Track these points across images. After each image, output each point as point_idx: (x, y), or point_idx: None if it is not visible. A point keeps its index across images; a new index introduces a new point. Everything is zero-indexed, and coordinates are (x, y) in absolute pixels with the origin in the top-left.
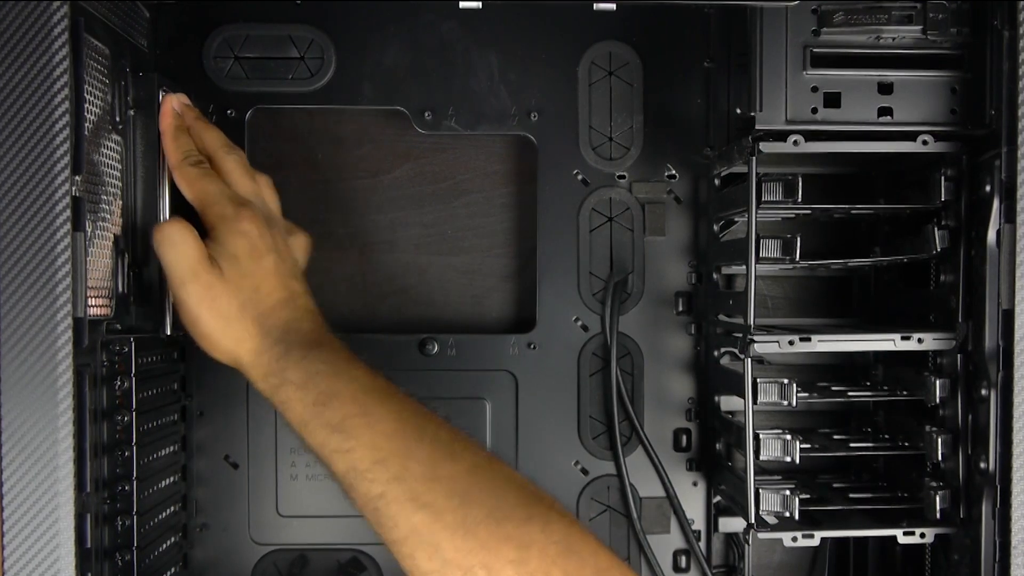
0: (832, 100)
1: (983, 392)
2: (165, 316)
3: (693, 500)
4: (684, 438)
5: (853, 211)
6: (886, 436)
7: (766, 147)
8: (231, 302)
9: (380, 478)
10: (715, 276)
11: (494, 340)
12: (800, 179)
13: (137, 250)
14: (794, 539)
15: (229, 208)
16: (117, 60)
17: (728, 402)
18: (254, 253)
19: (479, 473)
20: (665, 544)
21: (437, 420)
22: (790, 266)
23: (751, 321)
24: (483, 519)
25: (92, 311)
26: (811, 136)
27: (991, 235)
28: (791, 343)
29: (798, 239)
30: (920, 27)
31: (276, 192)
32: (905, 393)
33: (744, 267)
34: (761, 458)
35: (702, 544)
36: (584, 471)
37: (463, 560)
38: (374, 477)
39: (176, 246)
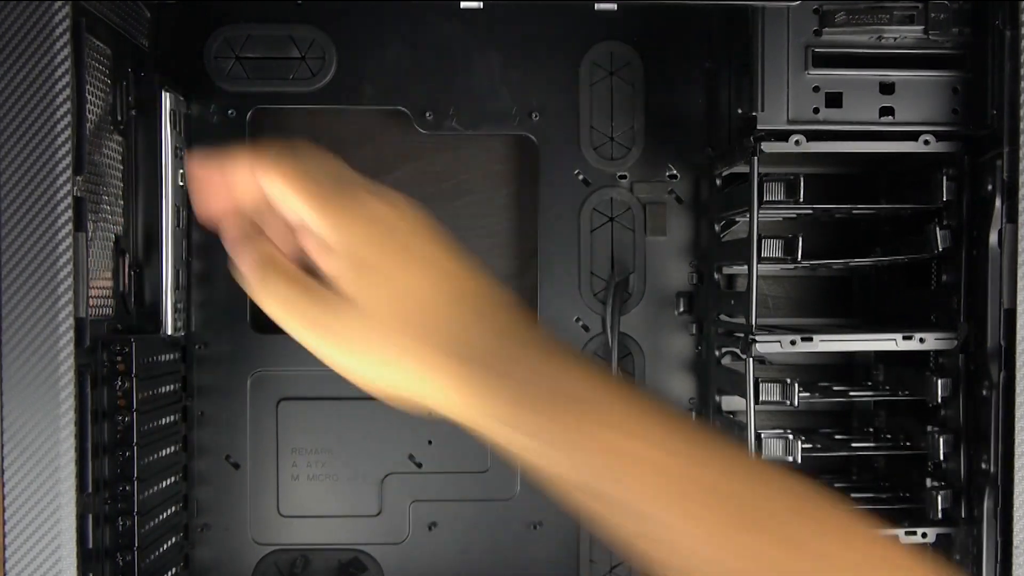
0: (834, 100)
1: (984, 392)
2: (166, 316)
3: None
4: None
5: (855, 211)
6: (887, 436)
7: (768, 147)
8: (384, 333)
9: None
10: (716, 276)
11: None
12: (801, 179)
13: (138, 250)
14: None
15: (320, 213)
16: (118, 60)
17: (729, 402)
18: (385, 254)
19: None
20: None
21: (688, 443)
22: (791, 266)
23: (753, 321)
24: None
25: (93, 311)
26: (813, 136)
27: (993, 235)
28: (793, 343)
29: (799, 239)
30: (922, 27)
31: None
32: (906, 393)
33: (745, 267)
34: (763, 458)
35: None
36: None
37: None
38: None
39: (272, 286)
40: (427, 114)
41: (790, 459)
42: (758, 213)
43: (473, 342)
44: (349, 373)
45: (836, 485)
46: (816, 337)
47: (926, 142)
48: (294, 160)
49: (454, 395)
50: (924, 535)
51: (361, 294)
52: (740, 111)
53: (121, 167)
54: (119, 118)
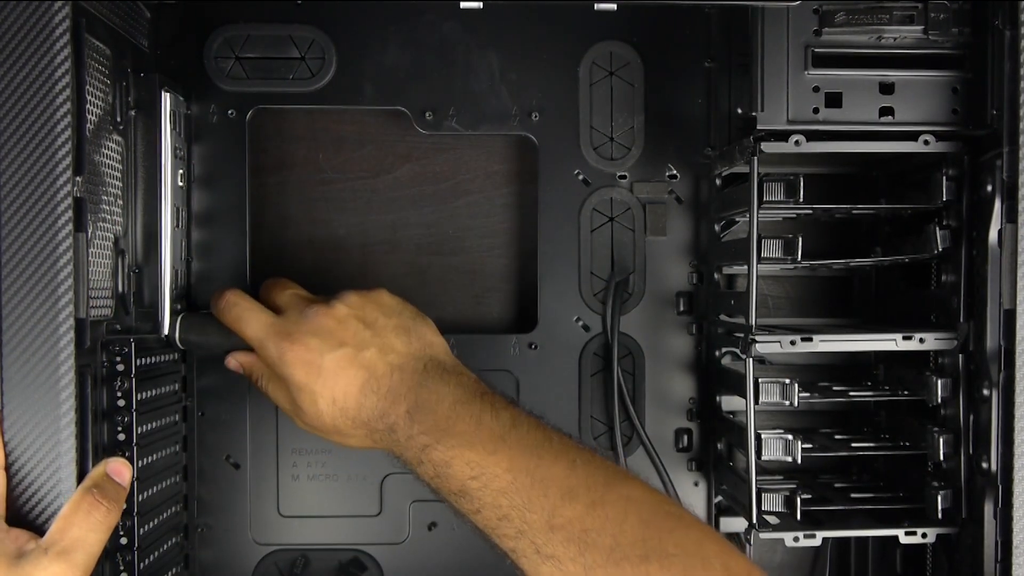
0: (833, 100)
1: (984, 392)
2: (164, 317)
3: (694, 500)
4: (685, 438)
5: (854, 211)
6: (887, 436)
7: (767, 147)
8: (324, 427)
9: (508, 533)
10: (716, 276)
11: (495, 340)
12: (801, 179)
13: (137, 251)
14: (795, 539)
15: (270, 348)
16: (118, 60)
17: (729, 402)
18: (310, 371)
19: (596, 511)
20: None
21: (551, 452)
22: (791, 266)
23: (752, 321)
24: (602, 563)
25: (93, 312)
26: (812, 136)
27: (992, 235)
28: (793, 343)
29: (799, 239)
30: (921, 27)
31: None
32: (906, 393)
33: (745, 267)
34: (763, 458)
35: None
36: None
37: None
38: (503, 533)
39: (271, 392)
40: (427, 114)
41: (790, 459)
42: (758, 213)
43: (377, 424)
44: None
45: (836, 485)
46: (816, 337)
47: (926, 142)
48: (250, 316)
49: (377, 446)
50: (924, 535)
51: (304, 408)
52: (740, 111)
53: (121, 167)
54: (119, 118)
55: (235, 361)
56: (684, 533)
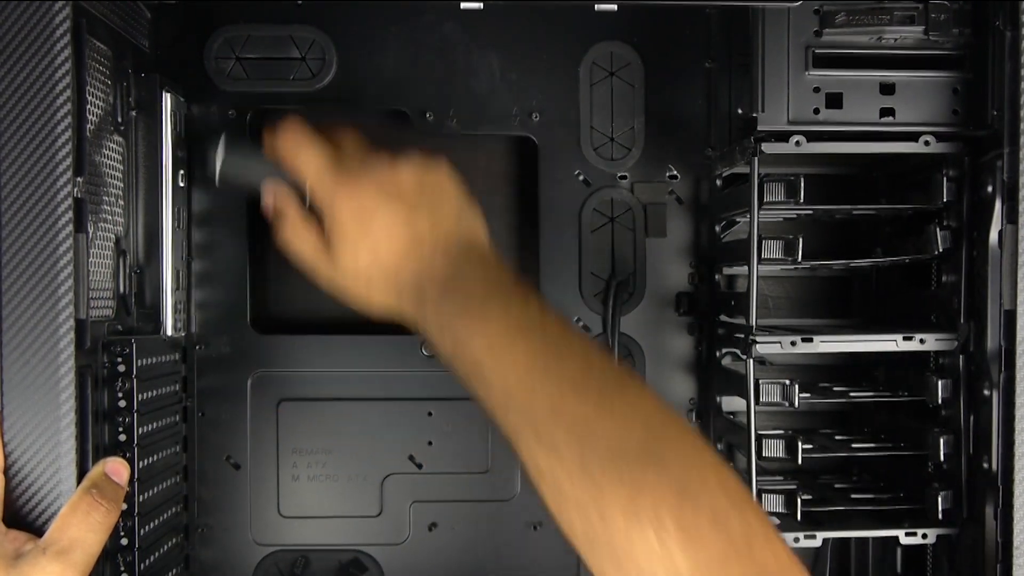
0: (834, 101)
1: (985, 392)
2: (166, 317)
3: None
4: None
5: (855, 211)
6: (888, 437)
7: (768, 148)
8: (356, 279)
9: (513, 417)
10: (717, 277)
11: None
12: (802, 180)
13: (138, 251)
14: (796, 540)
15: (326, 180)
16: (119, 61)
17: (730, 402)
18: (362, 221)
19: (602, 408)
20: None
21: (570, 349)
22: (792, 267)
23: (753, 322)
24: (599, 459)
25: (93, 312)
26: (813, 137)
27: (993, 235)
28: (793, 344)
29: (800, 240)
30: (922, 28)
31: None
32: (907, 394)
33: (746, 268)
34: (763, 458)
35: None
36: None
37: (580, 500)
38: (508, 417)
39: (294, 240)
40: (427, 114)
41: (790, 459)
42: (758, 214)
43: (411, 288)
44: (322, 284)
45: (837, 486)
46: (816, 338)
47: (926, 143)
48: (311, 148)
49: (401, 309)
50: (924, 536)
51: (340, 253)
52: (740, 111)
53: (121, 168)
54: (119, 119)
55: (271, 199)
56: (684, 444)
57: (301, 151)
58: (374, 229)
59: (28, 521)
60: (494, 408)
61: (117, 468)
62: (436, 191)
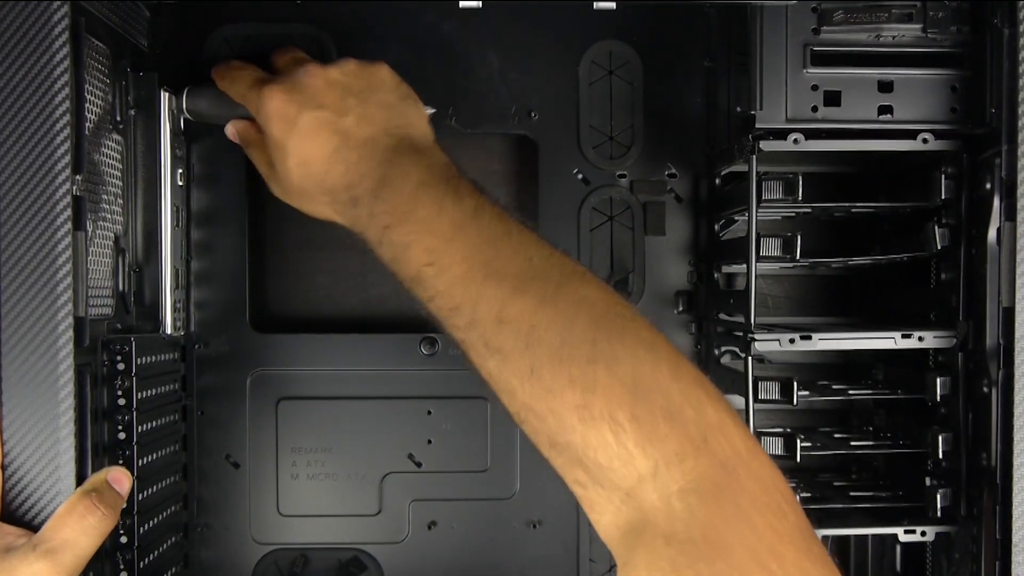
0: (832, 98)
1: (984, 390)
2: (165, 316)
3: None
4: None
5: (853, 209)
6: (887, 435)
7: (766, 146)
8: (292, 188)
9: (459, 324)
10: (716, 275)
11: None
12: (800, 178)
13: (137, 250)
14: None
15: (252, 96)
16: (117, 60)
17: (729, 401)
18: (285, 125)
19: (546, 307)
20: None
21: (509, 246)
22: (790, 265)
23: (752, 320)
24: (547, 361)
25: (93, 310)
26: (811, 134)
27: (991, 233)
28: (792, 341)
29: (798, 238)
30: (920, 25)
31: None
32: (905, 392)
33: (745, 266)
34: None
35: None
36: None
37: (534, 404)
38: (454, 323)
39: (252, 156)
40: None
41: (789, 458)
42: (757, 212)
43: (342, 193)
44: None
45: (836, 484)
46: (815, 336)
47: (925, 140)
48: (243, 70)
49: (340, 218)
50: (924, 533)
51: (276, 166)
52: (739, 110)
53: (120, 166)
54: (118, 117)
55: (232, 128)
56: (635, 336)
57: (235, 81)
58: (299, 136)
59: (25, 518)
60: (439, 315)
61: (119, 477)
62: (367, 88)
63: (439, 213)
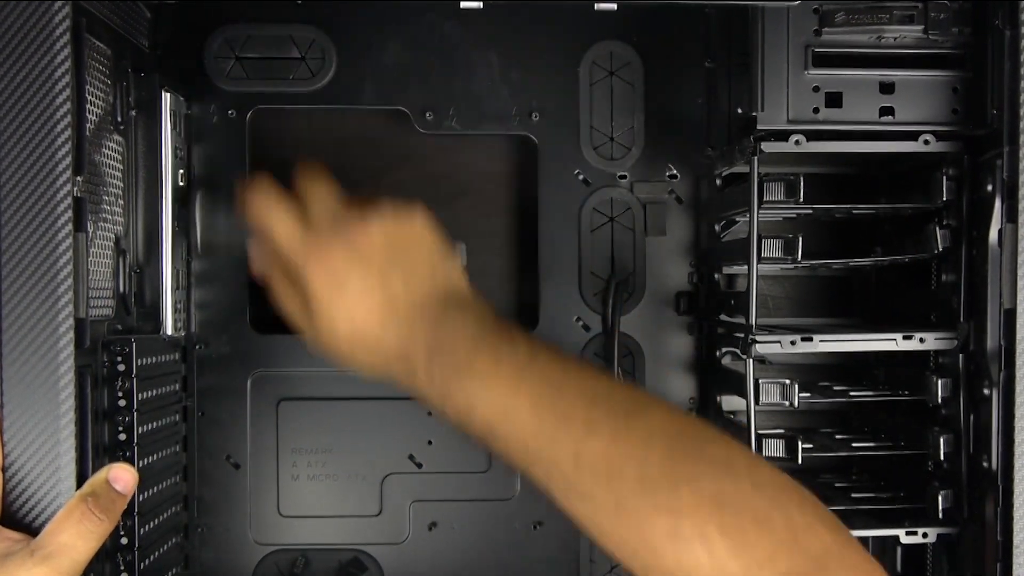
0: (834, 100)
1: (985, 392)
2: (166, 316)
3: None
4: None
5: (855, 211)
6: (888, 436)
7: (768, 147)
8: (339, 348)
9: (539, 471)
10: (716, 276)
11: None
12: (801, 179)
13: (138, 250)
14: None
15: (294, 246)
16: (118, 61)
17: (730, 402)
18: (333, 288)
19: (620, 442)
20: None
21: (572, 385)
22: (791, 266)
23: (753, 321)
24: (631, 494)
25: (93, 311)
26: (813, 136)
27: (993, 235)
28: (793, 343)
29: (799, 239)
30: (921, 27)
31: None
32: (907, 393)
33: (745, 267)
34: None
35: None
36: None
37: (627, 536)
38: (536, 473)
39: (284, 305)
40: (427, 114)
41: (790, 459)
42: (758, 213)
43: (396, 357)
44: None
45: (837, 485)
46: (816, 337)
47: (926, 142)
48: (278, 212)
49: (393, 380)
50: (925, 535)
51: (320, 325)
52: (740, 111)
53: (121, 167)
54: (119, 118)
55: (254, 252)
56: (713, 454)
57: (269, 216)
58: (347, 296)
59: (25, 520)
60: (517, 463)
61: (119, 475)
62: (409, 246)
63: (497, 364)
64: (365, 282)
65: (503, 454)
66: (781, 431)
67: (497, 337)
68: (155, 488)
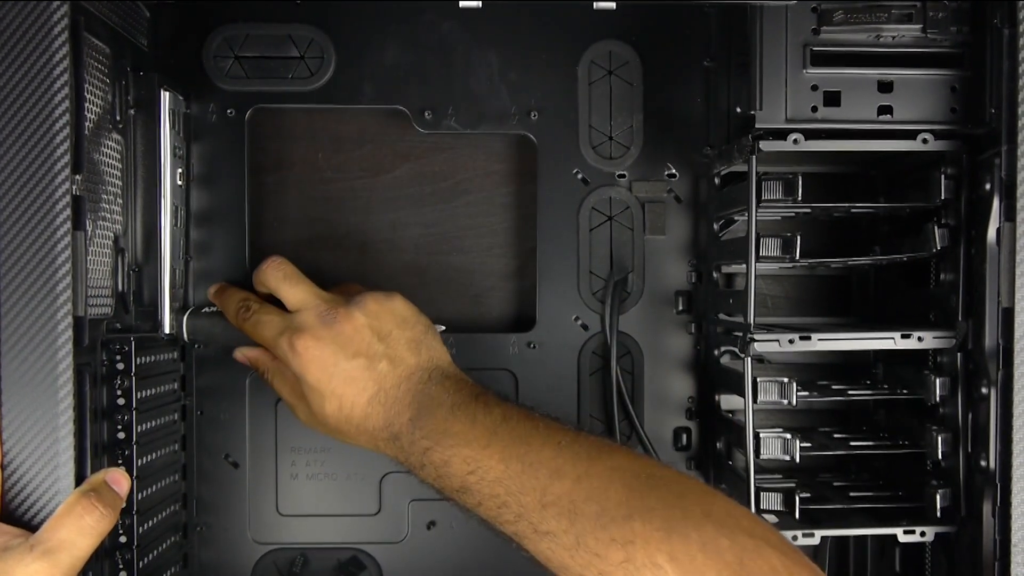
0: (832, 99)
1: (983, 390)
2: (164, 316)
3: None
4: (684, 437)
5: (853, 210)
6: (886, 435)
7: (766, 146)
8: (327, 427)
9: (508, 519)
10: (715, 275)
11: (494, 339)
12: (800, 178)
13: (137, 249)
14: (794, 538)
15: (283, 344)
16: (117, 59)
17: (728, 401)
18: (323, 375)
19: (583, 484)
20: None
21: (539, 438)
22: (790, 265)
23: (751, 320)
24: (590, 530)
25: (92, 310)
26: (811, 135)
27: (991, 233)
28: (791, 342)
29: (798, 238)
30: (920, 25)
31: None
32: (905, 392)
33: (744, 266)
34: (761, 457)
35: None
36: None
37: (585, 573)
38: (504, 520)
39: (275, 384)
40: (426, 113)
41: (788, 458)
42: (757, 212)
43: (382, 432)
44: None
45: (835, 484)
46: (815, 336)
47: (924, 141)
48: (262, 314)
49: (377, 450)
50: (923, 534)
51: (311, 406)
52: (739, 110)
53: (120, 166)
54: (118, 117)
55: (242, 355)
56: (666, 488)
57: (259, 327)
58: (336, 383)
59: (24, 517)
60: (490, 518)
61: (118, 478)
62: (392, 328)
63: (472, 426)
64: (353, 368)
65: (473, 507)
66: (780, 430)
67: (474, 403)
68: (154, 487)
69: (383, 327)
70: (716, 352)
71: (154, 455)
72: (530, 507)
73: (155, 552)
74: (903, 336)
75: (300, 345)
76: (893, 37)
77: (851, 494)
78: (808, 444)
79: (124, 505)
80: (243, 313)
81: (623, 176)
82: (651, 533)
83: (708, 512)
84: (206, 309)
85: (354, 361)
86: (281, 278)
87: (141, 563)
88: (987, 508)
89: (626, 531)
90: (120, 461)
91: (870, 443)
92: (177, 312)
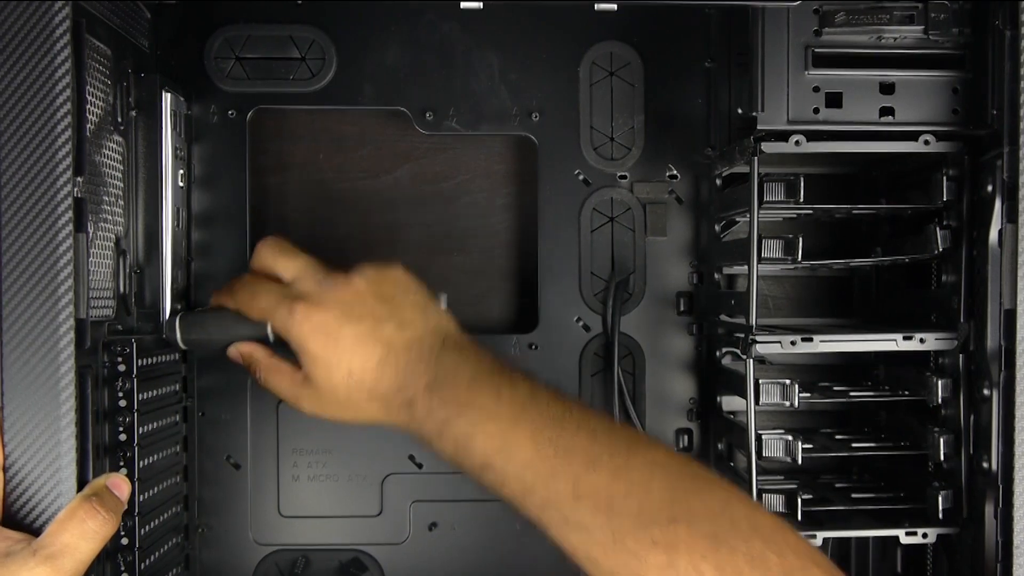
0: (834, 100)
1: (985, 392)
2: (166, 317)
3: None
4: (686, 438)
5: (855, 211)
6: (888, 436)
7: (768, 147)
8: (337, 401)
9: (534, 504)
10: (716, 276)
11: (495, 340)
12: (802, 179)
13: (138, 251)
14: None
15: (283, 312)
16: (119, 61)
17: (730, 402)
18: (328, 341)
19: (621, 478)
20: None
21: (572, 422)
22: (792, 266)
23: (753, 321)
24: (630, 528)
25: (94, 312)
26: (813, 136)
27: (993, 235)
28: (793, 343)
29: (800, 239)
30: (922, 27)
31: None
32: (907, 393)
33: (746, 267)
34: (763, 458)
35: None
36: None
37: (619, 571)
38: (529, 504)
39: (271, 380)
40: (427, 114)
41: (790, 459)
42: (758, 213)
43: (395, 398)
44: (307, 412)
45: (837, 485)
46: (816, 337)
47: (926, 142)
48: (262, 289)
49: (391, 420)
50: (925, 535)
51: (317, 382)
52: (740, 111)
53: (121, 168)
54: (119, 119)
55: (236, 351)
56: (711, 494)
57: (255, 297)
58: (342, 349)
59: (26, 522)
60: (513, 499)
61: (118, 483)
62: (395, 294)
63: (498, 400)
64: (358, 332)
65: (495, 486)
66: (781, 431)
67: (498, 375)
68: (155, 488)
69: (384, 291)
70: (718, 353)
71: (156, 457)
72: (562, 496)
73: (157, 554)
74: (905, 337)
75: (300, 312)
76: (895, 38)
77: (853, 495)
78: (810, 445)
79: (125, 509)
80: (239, 286)
81: (624, 177)
82: (696, 540)
83: (756, 526)
84: (199, 309)
85: (358, 324)
86: (277, 251)
87: (143, 565)
88: (989, 510)
89: (669, 534)
90: (122, 463)
91: (872, 444)
92: (169, 316)
